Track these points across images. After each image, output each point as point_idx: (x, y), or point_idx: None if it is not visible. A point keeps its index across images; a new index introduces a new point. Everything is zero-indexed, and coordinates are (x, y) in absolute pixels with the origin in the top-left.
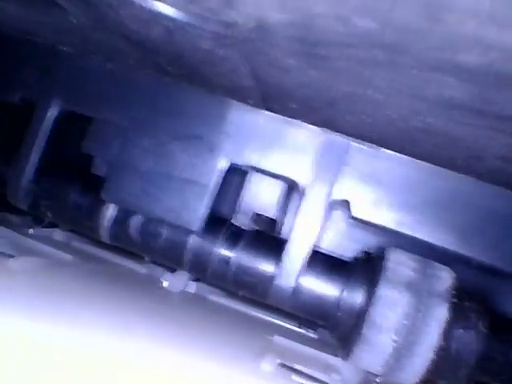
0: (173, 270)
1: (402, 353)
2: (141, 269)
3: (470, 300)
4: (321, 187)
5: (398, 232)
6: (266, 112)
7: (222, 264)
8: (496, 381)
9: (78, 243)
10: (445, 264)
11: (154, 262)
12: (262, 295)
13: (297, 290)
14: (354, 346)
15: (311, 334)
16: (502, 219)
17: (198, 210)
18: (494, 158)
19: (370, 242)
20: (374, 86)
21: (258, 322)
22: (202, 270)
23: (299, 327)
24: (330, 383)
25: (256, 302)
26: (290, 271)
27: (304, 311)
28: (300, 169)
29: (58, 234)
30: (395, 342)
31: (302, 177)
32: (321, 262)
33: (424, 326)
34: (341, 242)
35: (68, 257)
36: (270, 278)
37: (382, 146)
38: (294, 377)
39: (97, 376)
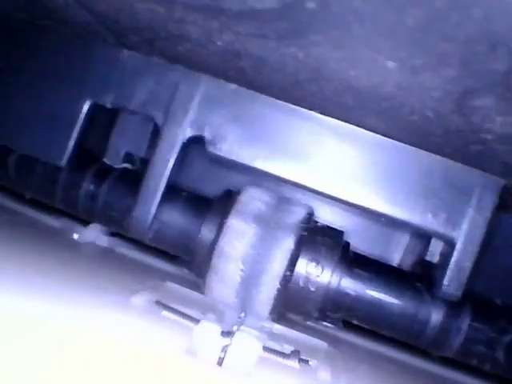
0: (86, 224)
1: (249, 282)
2: (55, 223)
3: (324, 235)
4: (176, 124)
5: (257, 169)
6: (126, 51)
7: (89, 199)
8: (348, 316)
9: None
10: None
11: (67, 216)
12: (126, 228)
13: (155, 223)
14: (207, 277)
15: None
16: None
17: (65, 147)
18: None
19: (231, 179)
20: None
21: (161, 272)
22: (72, 205)
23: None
24: (200, 319)
25: (166, 255)
26: (147, 205)
27: (164, 244)
28: (158, 107)
29: None
30: (242, 271)
31: (159, 114)
32: (180, 197)
33: (269, 256)
34: (201, 179)
35: None
36: (130, 212)
37: (236, 83)
38: (165, 313)
39: None
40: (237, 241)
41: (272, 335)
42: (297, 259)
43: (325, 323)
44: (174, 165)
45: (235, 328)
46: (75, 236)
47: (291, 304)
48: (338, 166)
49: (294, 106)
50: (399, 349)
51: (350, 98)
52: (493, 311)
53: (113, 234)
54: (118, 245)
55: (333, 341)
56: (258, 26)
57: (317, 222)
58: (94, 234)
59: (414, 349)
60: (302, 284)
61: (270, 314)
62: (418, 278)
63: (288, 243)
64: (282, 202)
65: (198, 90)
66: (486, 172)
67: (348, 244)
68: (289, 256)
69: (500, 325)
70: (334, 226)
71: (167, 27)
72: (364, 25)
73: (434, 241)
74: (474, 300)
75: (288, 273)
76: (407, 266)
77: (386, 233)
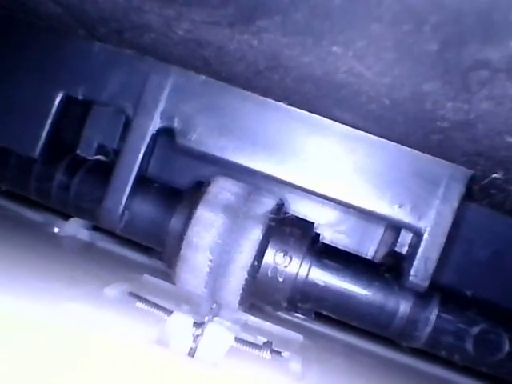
0: (67, 218)
1: (218, 272)
2: (37, 217)
3: (293, 226)
4: (146, 115)
5: (227, 160)
6: (98, 43)
7: (62, 190)
8: (317, 307)
9: None
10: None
11: (50, 210)
12: (98, 220)
13: (126, 214)
14: (177, 267)
15: None
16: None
17: (38, 139)
18: None
19: (203, 171)
20: None
21: (140, 265)
22: (46, 196)
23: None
24: (174, 310)
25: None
26: (117, 195)
27: (135, 235)
28: (128, 98)
29: None
30: (211, 261)
31: (129, 106)
32: (151, 188)
33: (237, 246)
34: (174, 170)
35: None
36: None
37: (205, 74)
38: (138, 304)
39: None
40: (205, 231)
41: (247, 327)
42: (265, 249)
43: (297, 314)
44: (144, 156)
45: (207, 319)
46: (56, 230)
47: (260, 294)
48: (306, 157)
49: (262, 98)
50: (376, 342)
51: (310, 87)
52: (462, 302)
53: (94, 228)
54: (98, 239)
55: (310, 334)
56: (209, 12)
57: (287, 214)
58: (74, 228)
59: (389, 342)
60: (270, 274)
61: (240, 304)
62: (388, 269)
63: (256, 233)
64: (252, 193)
65: (168, 82)
66: (452, 162)
67: (318, 235)
68: (257, 246)
69: (469, 316)
70: (307, 219)
71: (129, 17)
72: (299, 9)
73: (403, 232)
74: (443, 291)
75: (256, 263)
76: (380, 257)
77: (361, 225)
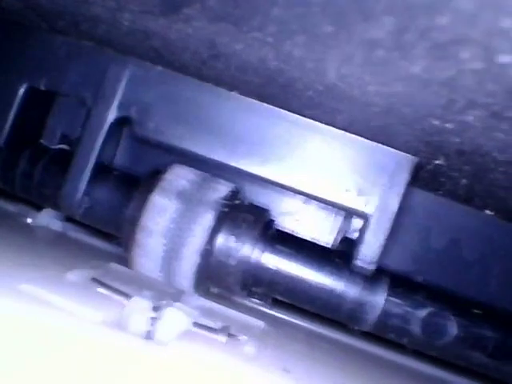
0: (40, 209)
1: (171, 256)
2: (11, 207)
3: (246, 212)
4: (104, 105)
5: (183, 149)
6: (59, 36)
7: (25, 178)
8: (270, 291)
9: None
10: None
11: (24, 201)
12: (59, 207)
13: (86, 201)
14: (132, 252)
15: None
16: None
17: (2, 129)
18: None
19: (162, 159)
20: None
21: (110, 255)
22: (10, 184)
23: None
24: (134, 296)
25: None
26: (76, 182)
27: (95, 221)
28: (88, 89)
29: None
30: (164, 245)
31: (89, 96)
32: (110, 176)
33: (189, 231)
34: (130, 159)
35: None
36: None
37: (160, 65)
38: (100, 289)
39: None
40: (158, 216)
41: (209, 313)
42: (217, 234)
43: (254, 300)
44: (102, 144)
45: (164, 303)
46: (29, 220)
47: (214, 278)
48: (259, 146)
49: (215, 87)
50: (338, 329)
51: (252, 75)
52: (411, 287)
53: (67, 220)
54: (71, 229)
55: (273, 321)
56: (142, 1)
57: (241, 201)
58: (47, 219)
59: (352, 330)
60: (222, 258)
61: (195, 287)
62: (340, 254)
63: (207, 218)
64: (207, 180)
65: (125, 73)
66: (397, 150)
67: (272, 221)
68: (209, 231)
69: (417, 300)
70: (263, 206)
71: (80, 9)
72: None
73: (354, 219)
74: (392, 276)
75: (208, 247)
76: (337, 244)
77: (321, 214)
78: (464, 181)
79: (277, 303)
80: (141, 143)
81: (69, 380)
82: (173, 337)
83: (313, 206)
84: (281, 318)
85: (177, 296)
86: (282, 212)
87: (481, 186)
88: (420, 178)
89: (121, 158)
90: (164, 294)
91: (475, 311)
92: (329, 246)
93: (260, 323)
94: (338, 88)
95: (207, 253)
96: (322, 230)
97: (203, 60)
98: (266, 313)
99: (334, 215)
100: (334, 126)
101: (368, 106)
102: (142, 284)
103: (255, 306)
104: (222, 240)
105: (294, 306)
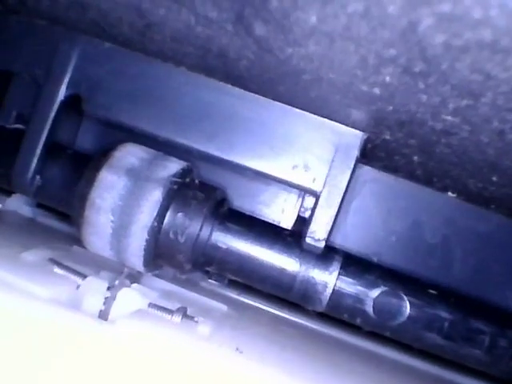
0: (9, 195)
1: (120, 233)
2: None
3: (196, 190)
4: (55, 83)
5: (133, 127)
6: (13, 15)
7: None
8: (221, 269)
9: None
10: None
11: None
12: (12, 186)
13: (37, 180)
14: (83, 229)
15: None
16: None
17: None
18: None
19: (113, 137)
20: None
21: (75, 238)
22: None
23: None
24: (88, 275)
25: None
26: (27, 160)
27: (47, 200)
28: (40, 67)
29: None
30: (112, 222)
31: (41, 74)
32: (63, 154)
33: (137, 208)
34: (81, 137)
35: None
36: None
37: (110, 42)
38: (56, 269)
39: None
40: (106, 193)
41: (169, 295)
42: (166, 211)
43: (210, 281)
44: (53, 122)
45: (117, 282)
46: None
47: (163, 255)
48: (207, 121)
49: (163, 63)
50: (305, 315)
51: (188, 46)
52: (363, 266)
53: (38, 205)
54: (41, 215)
55: (237, 306)
56: None
57: (193, 179)
58: (16, 204)
59: (317, 315)
60: (171, 235)
61: (145, 265)
62: (292, 233)
63: (156, 195)
64: (158, 158)
65: (75, 50)
66: (346, 125)
67: (224, 200)
68: (157, 208)
69: (369, 279)
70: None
71: None
72: None
73: (308, 197)
74: (345, 256)
75: (156, 224)
76: (291, 223)
77: (280, 195)
78: (416, 158)
79: (246, 289)
80: (92, 121)
81: (19, 357)
82: (126, 316)
83: (273, 188)
84: (247, 303)
85: (137, 278)
86: (241, 193)
87: (433, 164)
88: (376, 158)
89: (74, 136)
90: (124, 275)
91: (430, 291)
92: (288, 226)
93: (223, 307)
94: (264, 55)
95: (155, 230)
96: (280, 210)
97: (141, 31)
98: (233, 298)
99: (292, 195)
100: (279, 101)
101: (297, 73)
102: (103, 266)
103: (222, 291)
104: (170, 217)
105: (261, 291)
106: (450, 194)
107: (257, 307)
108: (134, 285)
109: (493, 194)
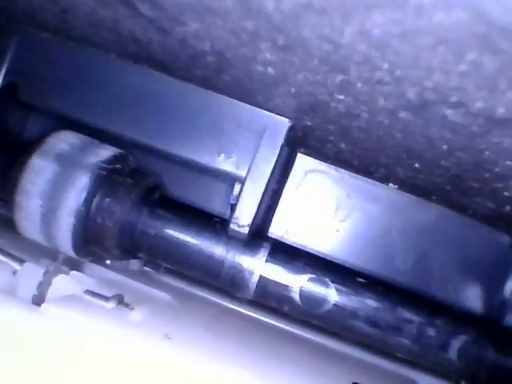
0: None
1: (49, 217)
2: None
3: (126, 176)
4: None
5: (68, 117)
6: None
7: None
8: (151, 255)
9: None
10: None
11: None
12: None
13: None
14: (15, 215)
15: None
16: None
17: None
18: None
19: (50, 126)
20: None
21: None
22: None
23: None
24: (27, 261)
25: None
26: None
27: None
28: None
29: None
30: (41, 206)
31: None
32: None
33: (64, 193)
34: (19, 123)
35: None
36: None
37: (47, 32)
38: None
39: None
40: (36, 177)
41: (109, 283)
42: (93, 197)
43: (146, 268)
44: None
45: (52, 268)
46: None
47: (92, 240)
48: (144, 112)
49: (102, 52)
50: (250, 305)
51: (105, 31)
52: (291, 253)
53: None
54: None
55: (183, 297)
56: None
57: (124, 166)
58: None
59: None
60: (99, 220)
61: (74, 249)
62: (222, 220)
63: (83, 180)
64: (90, 145)
65: (13, 40)
66: (270, 112)
67: (157, 187)
68: (84, 193)
69: (296, 265)
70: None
71: None
72: None
73: (237, 184)
74: (274, 243)
75: (83, 209)
76: (227, 211)
77: (207, 180)
78: (343, 145)
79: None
80: (30, 109)
81: None
82: (58, 302)
83: (206, 176)
84: (195, 293)
85: (80, 266)
86: (175, 180)
87: (360, 152)
88: (313, 147)
89: (21, 125)
90: (59, 261)
91: (358, 280)
92: (224, 214)
93: (166, 297)
94: (165, 37)
95: (83, 214)
96: (214, 198)
97: (60, 17)
98: (181, 289)
99: (223, 183)
100: (203, 87)
101: (201, 55)
102: (44, 253)
103: (172, 282)
104: (98, 202)
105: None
106: (391, 185)
107: (205, 298)
108: (73, 272)
109: (426, 183)
